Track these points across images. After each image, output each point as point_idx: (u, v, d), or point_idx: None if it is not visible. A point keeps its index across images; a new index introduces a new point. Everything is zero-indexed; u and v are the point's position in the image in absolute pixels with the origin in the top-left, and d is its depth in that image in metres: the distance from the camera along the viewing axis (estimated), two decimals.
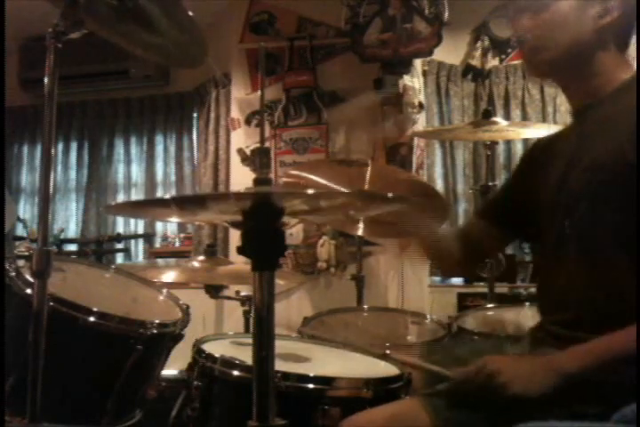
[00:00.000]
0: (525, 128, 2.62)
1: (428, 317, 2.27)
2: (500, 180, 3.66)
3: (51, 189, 1.31)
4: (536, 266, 1.40)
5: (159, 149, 4.42)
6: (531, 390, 1.00)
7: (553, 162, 1.31)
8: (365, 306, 2.55)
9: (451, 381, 1.13)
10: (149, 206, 1.05)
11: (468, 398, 1.07)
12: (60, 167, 4.51)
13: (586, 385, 1.01)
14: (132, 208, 1.08)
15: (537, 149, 1.44)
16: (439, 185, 3.78)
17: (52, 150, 1.33)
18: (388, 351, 1.41)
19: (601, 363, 1.02)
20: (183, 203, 0.98)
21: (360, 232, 2.47)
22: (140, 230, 4.34)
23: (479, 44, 3.82)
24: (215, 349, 1.43)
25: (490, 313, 2.24)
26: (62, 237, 3.99)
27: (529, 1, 1.26)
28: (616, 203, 1.12)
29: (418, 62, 3.53)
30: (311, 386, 1.28)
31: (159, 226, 4.29)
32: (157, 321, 1.56)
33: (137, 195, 4.42)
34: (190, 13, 1.45)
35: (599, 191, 1.15)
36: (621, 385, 1.01)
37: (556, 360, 1.05)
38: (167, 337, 1.62)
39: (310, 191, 0.89)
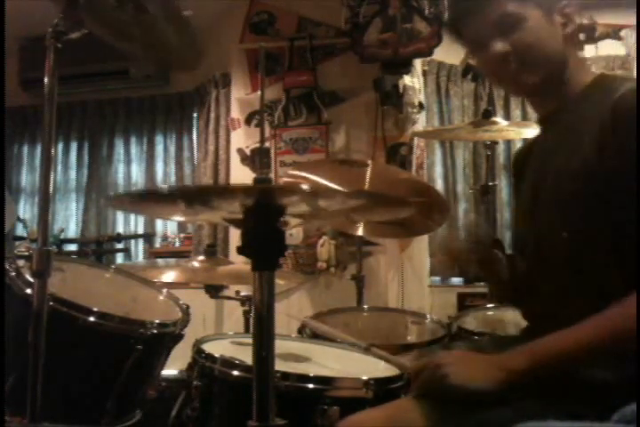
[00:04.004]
0: (525, 128, 2.62)
1: (428, 317, 2.26)
2: (500, 180, 3.67)
3: (51, 189, 1.31)
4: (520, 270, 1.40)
5: (159, 148, 4.41)
6: (472, 383, 1.04)
7: (527, 173, 1.33)
8: (365, 306, 2.54)
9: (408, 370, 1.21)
10: (150, 200, 1.03)
11: (424, 387, 1.12)
12: (60, 167, 4.50)
13: (541, 382, 1.03)
14: (132, 201, 1.07)
15: (517, 163, 1.46)
16: (439, 185, 3.78)
17: (52, 150, 1.33)
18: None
19: (548, 361, 1.03)
20: (184, 194, 0.97)
21: (360, 232, 2.47)
22: (140, 230, 4.34)
23: None
24: (215, 349, 1.43)
25: (490, 313, 2.24)
26: (62, 237, 3.99)
27: (496, 22, 1.21)
28: (584, 211, 1.13)
29: (418, 62, 3.53)
30: (311, 386, 1.28)
31: (159, 226, 4.29)
32: (157, 321, 1.56)
33: None
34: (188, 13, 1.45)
35: (568, 200, 1.16)
36: (602, 383, 1.02)
37: (503, 358, 1.07)
38: (167, 337, 1.62)
39: (310, 189, 0.89)
